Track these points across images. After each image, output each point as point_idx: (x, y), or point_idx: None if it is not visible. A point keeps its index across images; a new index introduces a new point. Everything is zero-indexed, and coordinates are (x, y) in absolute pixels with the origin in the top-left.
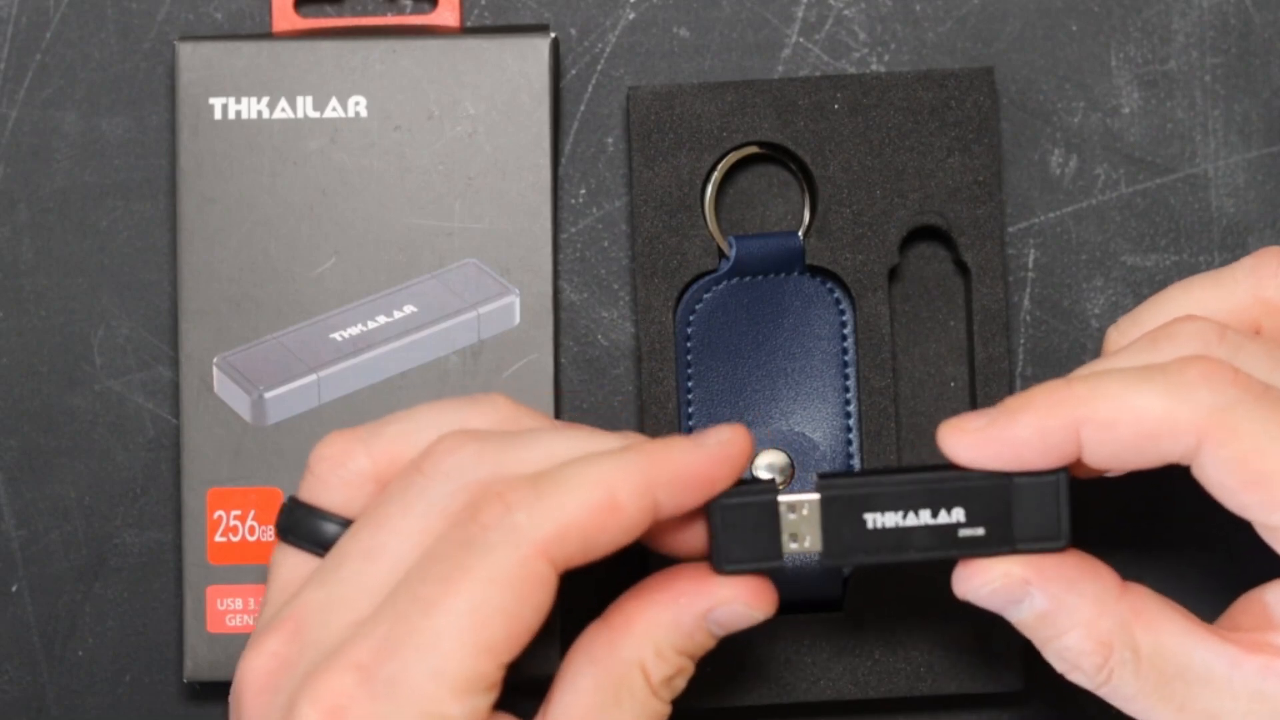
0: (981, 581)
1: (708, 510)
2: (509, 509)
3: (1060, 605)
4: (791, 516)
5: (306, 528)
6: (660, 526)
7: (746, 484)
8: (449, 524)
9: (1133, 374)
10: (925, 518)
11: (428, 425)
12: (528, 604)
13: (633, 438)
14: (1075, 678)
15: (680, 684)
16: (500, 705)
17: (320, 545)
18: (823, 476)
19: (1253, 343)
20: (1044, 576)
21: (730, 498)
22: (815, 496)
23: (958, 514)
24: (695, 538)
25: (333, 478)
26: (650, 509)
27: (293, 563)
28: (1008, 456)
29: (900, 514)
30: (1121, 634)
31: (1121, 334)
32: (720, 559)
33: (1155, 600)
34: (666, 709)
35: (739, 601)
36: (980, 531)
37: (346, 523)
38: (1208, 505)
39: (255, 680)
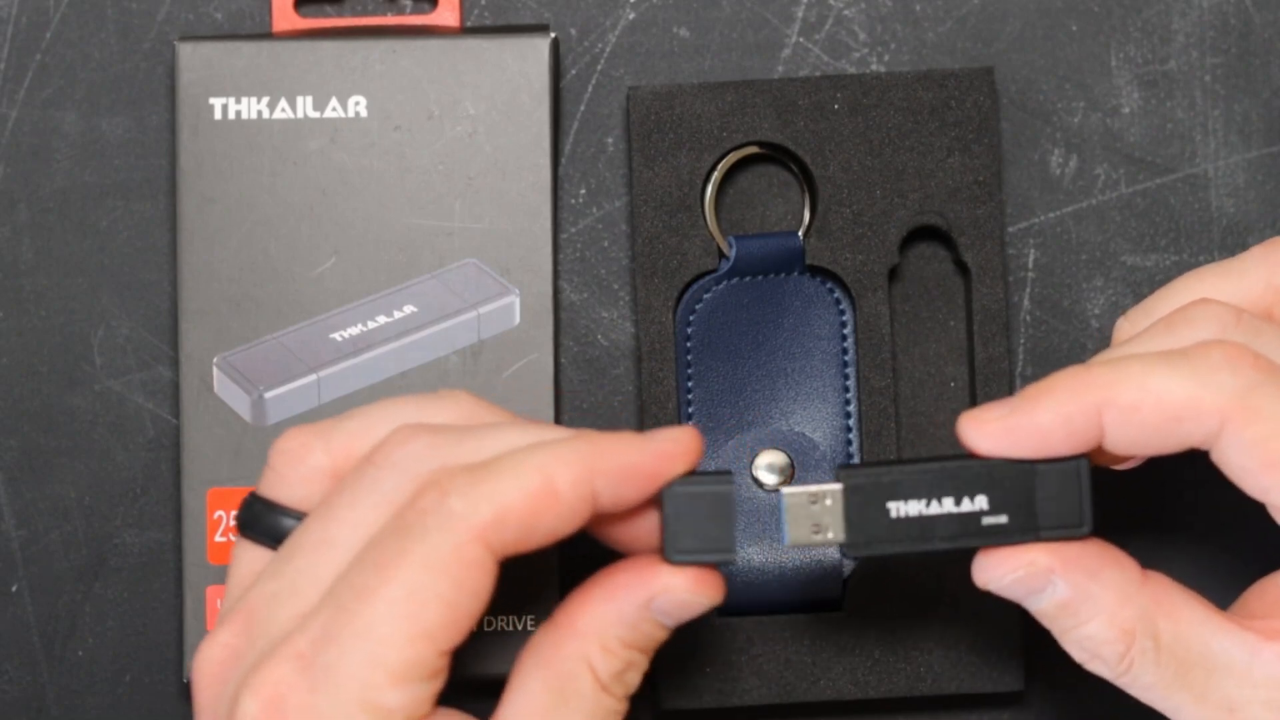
0: (1006, 570)
1: (659, 498)
2: (445, 495)
3: (1083, 594)
4: (814, 507)
5: (265, 523)
6: (614, 520)
7: (703, 474)
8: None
9: (1155, 358)
10: (949, 506)
11: (387, 420)
12: (465, 590)
13: (589, 434)
14: (1095, 667)
15: (633, 679)
16: (453, 703)
17: (277, 540)
18: (842, 468)
19: (1270, 327)
20: (1068, 565)
21: (684, 486)
22: (838, 486)
23: (980, 501)
24: (652, 533)
25: (291, 473)
26: (589, 498)
27: (250, 557)
28: (1031, 444)
29: (924, 502)
30: (1143, 622)
31: (1133, 324)
32: (670, 548)
33: (1175, 588)
34: (620, 705)
35: (681, 589)
36: (1003, 519)
37: (304, 517)
38: (1220, 494)
39: (208, 670)
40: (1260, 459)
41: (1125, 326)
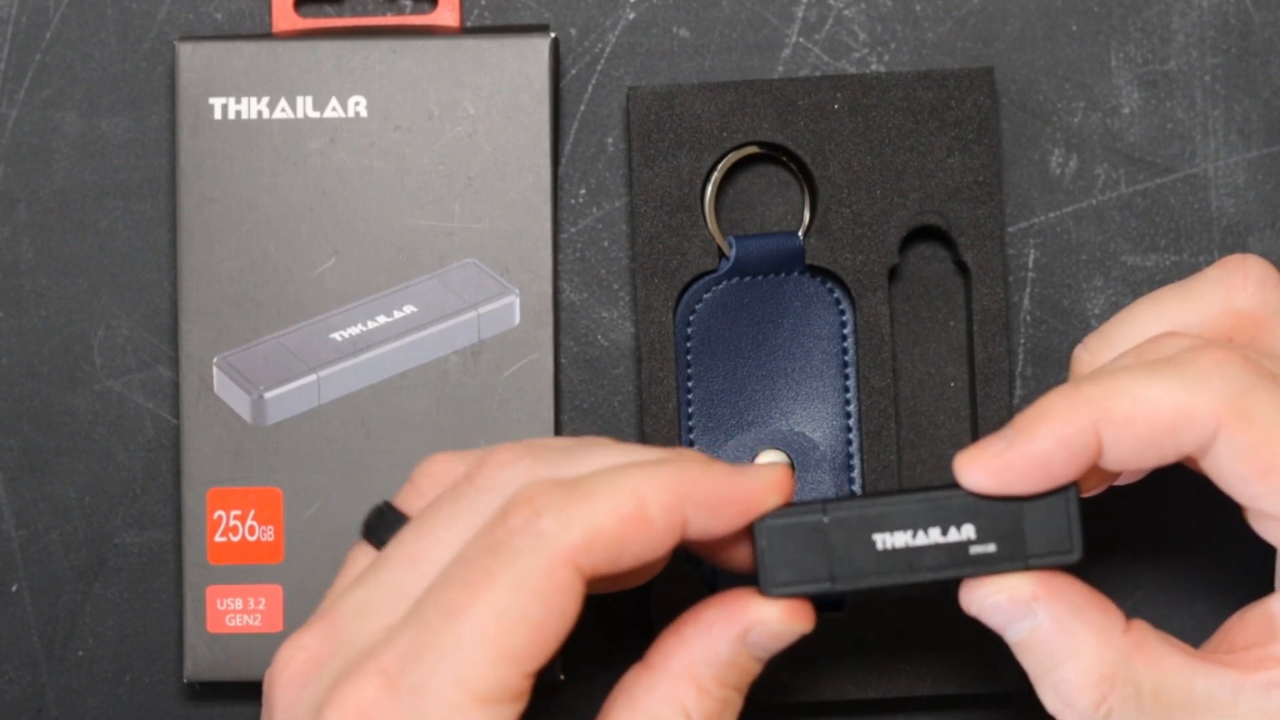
0: (987, 592)
1: (752, 531)
2: (537, 514)
3: (1063, 629)
4: None
5: (387, 531)
6: (720, 546)
7: (795, 505)
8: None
9: (1143, 369)
10: (935, 536)
11: (527, 455)
12: (553, 612)
13: (682, 459)
14: (1067, 718)
15: None
16: (525, 716)
17: None
18: (828, 501)
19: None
20: (1051, 596)
21: (776, 519)
22: (824, 520)
23: (968, 531)
24: (749, 558)
25: (430, 492)
26: (679, 525)
27: (364, 562)
28: (1033, 477)
29: (910, 533)
30: (1124, 668)
31: (1092, 353)
32: (766, 582)
33: (1155, 635)
34: None
35: (776, 620)
36: (991, 548)
37: None
38: (1204, 516)
39: (286, 672)
40: (1253, 465)
41: (1084, 356)
